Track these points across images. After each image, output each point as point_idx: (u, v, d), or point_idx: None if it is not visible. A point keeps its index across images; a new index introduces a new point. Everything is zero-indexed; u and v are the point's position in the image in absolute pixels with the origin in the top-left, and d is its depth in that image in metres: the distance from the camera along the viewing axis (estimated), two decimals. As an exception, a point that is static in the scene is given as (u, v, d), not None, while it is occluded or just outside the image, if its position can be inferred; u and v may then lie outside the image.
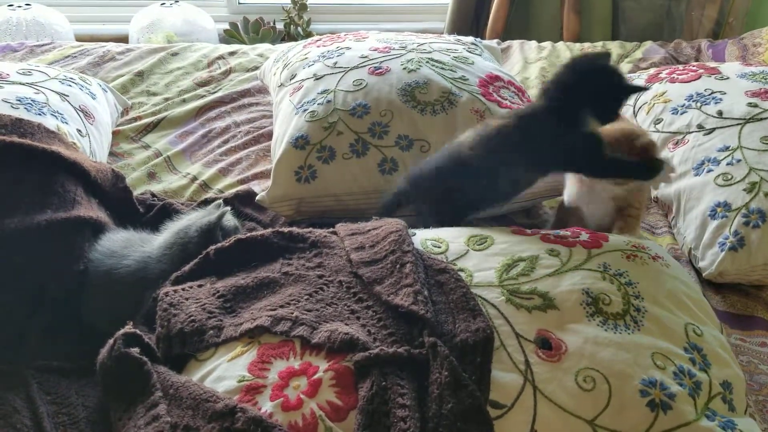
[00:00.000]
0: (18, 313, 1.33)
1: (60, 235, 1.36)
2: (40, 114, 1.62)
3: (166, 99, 2.29)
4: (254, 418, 0.96)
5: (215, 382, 1.06)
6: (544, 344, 1.10)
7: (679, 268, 1.33)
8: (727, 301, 1.52)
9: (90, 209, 1.45)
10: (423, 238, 1.31)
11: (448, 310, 1.12)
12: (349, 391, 1.02)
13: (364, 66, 1.81)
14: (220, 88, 2.36)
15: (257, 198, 1.65)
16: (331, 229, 1.37)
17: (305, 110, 1.72)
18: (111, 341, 1.12)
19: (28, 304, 1.34)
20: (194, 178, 1.91)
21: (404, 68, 1.79)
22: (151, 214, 1.69)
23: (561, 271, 1.22)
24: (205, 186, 1.89)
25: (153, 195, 1.78)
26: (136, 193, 1.81)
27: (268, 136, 2.05)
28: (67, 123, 1.67)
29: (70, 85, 1.84)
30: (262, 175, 1.91)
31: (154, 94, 2.33)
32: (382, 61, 1.82)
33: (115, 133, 2.08)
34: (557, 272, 1.21)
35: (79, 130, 1.70)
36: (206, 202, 1.71)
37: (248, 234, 1.33)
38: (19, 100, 1.63)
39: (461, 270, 1.21)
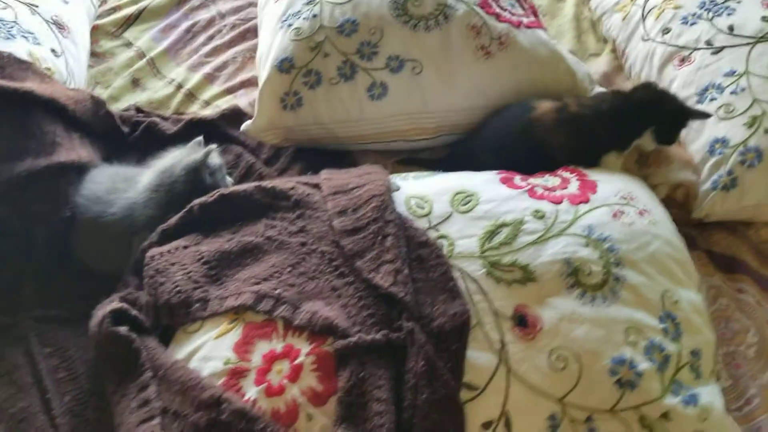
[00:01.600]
0: (10, 262, 1.36)
1: (43, 183, 1.36)
2: (9, 38, 1.53)
3: (147, -18, 2.15)
4: (239, 410, 1.02)
5: (202, 362, 1.11)
6: (520, 321, 1.14)
7: (665, 224, 1.32)
8: (711, 238, 1.52)
9: (71, 149, 1.42)
10: (407, 195, 1.29)
11: (428, 289, 1.14)
12: (329, 375, 1.07)
13: (355, -31, 1.67)
14: (203, -33, 2.21)
15: (242, 128, 1.61)
16: (314, 181, 1.35)
17: (290, 26, 1.61)
18: (99, 316, 1.16)
19: (19, 254, 1.37)
20: (180, 86, 1.85)
21: (398, -27, 1.65)
22: (137, 134, 1.66)
23: (544, 238, 1.22)
24: (191, 95, 1.83)
25: (138, 110, 1.74)
26: (120, 105, 1.78)
27: (255, 31, 1.96)
28: (39, 44, 1.58)
29: (39, -10, 1.72)
30: (249, 83, 1.85)
31: (134, -25, 2.18)
32: (373, -35, 1.67)
33: (94, 29, 1.98)
34: (540, 239, 1.21)
35: (53, 50, 1.61)
36: (191, 124, 1.67)
37: (231, 189, 1.32)
38: (-13, 22, 1.54)
39: (444, 237, 1.21)
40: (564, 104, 1.52)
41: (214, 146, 1.42)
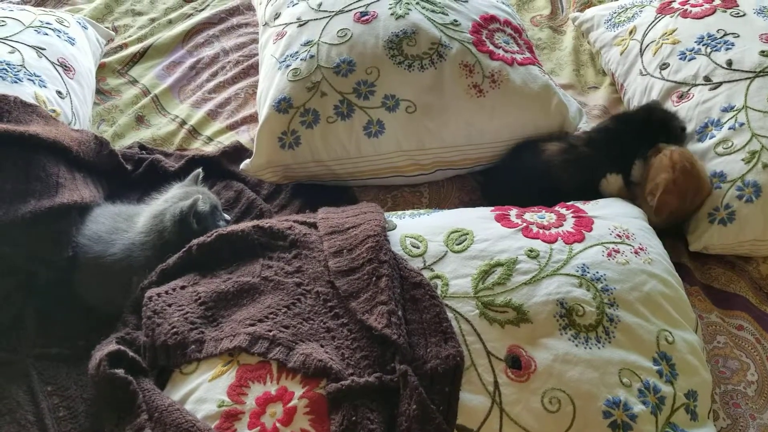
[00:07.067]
0: (13, 300, 1.38)
1: (46, 224, 1.38)
2: (16, 81, 1.56)
3: (152, 20, 2.20)
4: (232, 455, 1.02)
5: (197, 404, 1.11)
6: (514, 363, 1.14)
7: (661, 262, 1.31)
8: (711, 273, 1.52)
9: (74, 190, 1.44)
10: (403, 234, 1.30)
11: (421, 331, 1.14)
12: (322, 418, 1.07)
13: (350, 10, 1.69)
14: (208, 4, 2.26)
15: (241, 167, 1.63)
16: (312, 220, 1.36)
17: (288, 66, 1.64)
18: (97, 358, 1.17)
19: (22, 292, 1.39)
20: (183, 122, 1.88)
21: (392, 13, 1.67)
22: (140, 171, 1.68)
23: (538, 278, 1.22)
24: (194, 132, 1.86)
25: (141, 148, 1.76)
26: (125, 142, 1.81)
27: (257, 67, 1.98)
28: (45, 86, 1.62)
29: (46, 34, 1.75)
30: (252, 119, 1.87)
31: (140, 14, 2.23)
32: (369, 4, 1.70)
33: (101, 67, 2.02)
34: (534, 279, 1.22)
35: (59, 92, 1.65)
36: (193, 161, 1.69)
37: (229, 229, 1.33)
38: (-5, 66, 1.57)
39: (438, 276, 1.22)
40: (569, 144, 1.60)
41: (199, 196, 1.42)
